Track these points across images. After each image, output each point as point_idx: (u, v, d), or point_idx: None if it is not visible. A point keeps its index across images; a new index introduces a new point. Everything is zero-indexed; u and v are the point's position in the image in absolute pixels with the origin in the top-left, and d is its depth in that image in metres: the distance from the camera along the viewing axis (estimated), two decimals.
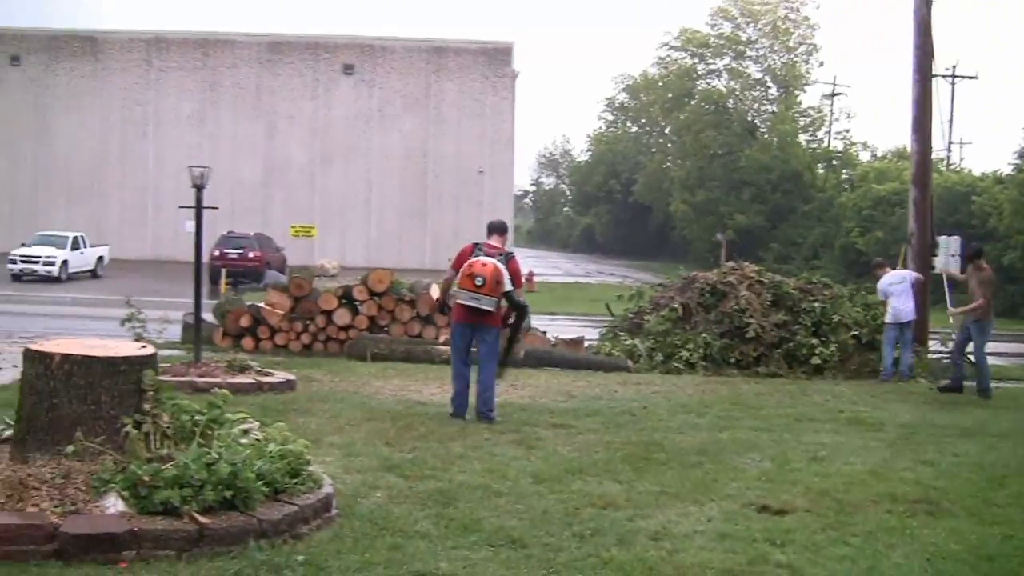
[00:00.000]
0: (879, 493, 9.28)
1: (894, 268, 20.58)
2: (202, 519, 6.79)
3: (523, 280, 13.56)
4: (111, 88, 67.68)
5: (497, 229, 13.28)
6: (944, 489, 9.59)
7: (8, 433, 8.15)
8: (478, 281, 12.32)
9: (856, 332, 19.99)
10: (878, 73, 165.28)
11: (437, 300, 17.48)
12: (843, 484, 9.61)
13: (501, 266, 12.48)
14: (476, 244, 13.03)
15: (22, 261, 44.57)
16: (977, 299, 17.63)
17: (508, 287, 12.53)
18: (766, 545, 7.56)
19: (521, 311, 13.17)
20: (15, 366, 12.80)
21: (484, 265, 12.39)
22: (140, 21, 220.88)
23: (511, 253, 13.11)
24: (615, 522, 8.02)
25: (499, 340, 13.09)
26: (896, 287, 19.13)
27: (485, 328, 12.76)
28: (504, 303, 12.78)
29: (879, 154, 75.50)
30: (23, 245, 46.64)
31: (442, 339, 19.54)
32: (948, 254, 22.57)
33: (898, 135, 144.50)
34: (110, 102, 67.60)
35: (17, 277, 44.21)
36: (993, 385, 17.93)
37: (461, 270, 12.60)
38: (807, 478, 9.84)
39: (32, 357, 7.68)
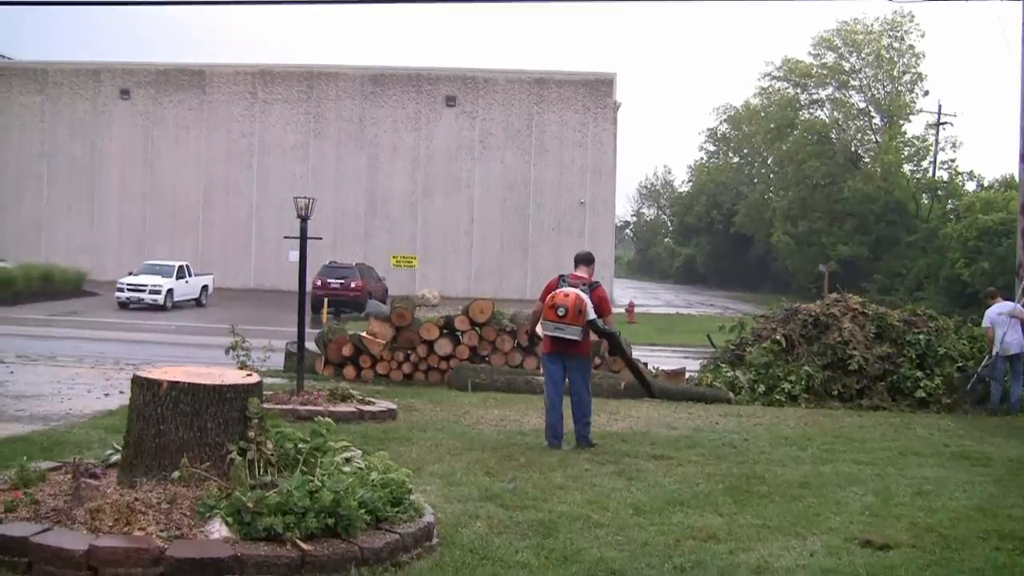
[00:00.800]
0: (986, 530, 9.10)
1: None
2: (304, 546, 6.85)
3: (610, 307, 13.55)
4: (217, 120, 68.71)
5: (583, 260, 13.46)
6: None
7: (116, 458, 8.28)
8: (560, 312, 12.51)
9: (962, 364, 19.69)
10: (985, 101, 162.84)
11: (526, 331, 17.54)
12: (949, 520, 9.44)
13: (584, 295, 12.64)
14: (561, 276, 13.26)
15: (129, 289, 45.37)
16: None
17: (591, 315, 12.66)
18: None
19: (609, 338, 13.39)
20: (122, 392, 13.04)
21: (566, 296, 12.57)
22: (246, 55, 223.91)
23: (596, 282, 13.24)
24: (716, 555, 7.96)
25: (590, 368, 13.27)
26: (1003, 318, 18.83)
27: (573, 357, 12.95)
28: (592, 332, 12.93)
29: (985, 184, 74.24)
30: (131, 274, 47.50)
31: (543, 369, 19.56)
32: None
33: (1006, 164, 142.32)
34: (216, 134, 68.65)
35: (124, 305, 45.00)
36: None
37: (546, 302, 12.79)
38: (912, 513, 9.69)
39: (140, 384, 7.80)
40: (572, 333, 12.56)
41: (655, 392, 16.92)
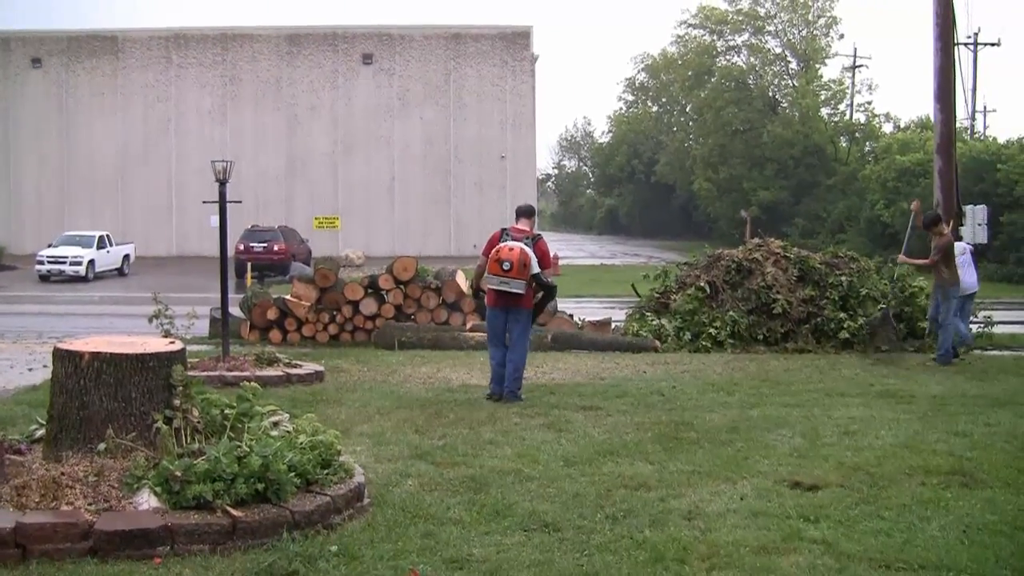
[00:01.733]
0: (912, 466, 9.24)
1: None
2: (235, 512, 6.82)
3: (551, 261, 13.80)
4: (132, 86, 67.89)
5: (524, 213, 13.67)
6: (978, 460, 9.53)
7: (40, 433, 8.21)
8: (505, 266, 12.68)
9: (883, 305, 19.88)
10: (899, 43, 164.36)
11: (471, 286, 17.55)
12: (875, 458, 9.57)
13: (528, 249, 12.81)
14: (504, 229, 13.39)
15: (49, 261, 44.84)
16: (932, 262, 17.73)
17: (536, 269, 12.87)
18: (800, 521, 7.54)
19: (548, 291, 13.48)
20: (45, 366, 12.86)
21: (511, 250, 12.73)
22: (158, 19, 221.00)
23: (538, 235, 13.43)
24: (647, 503, 8.02)
25: (530, 321, 13.38)
26: (960, 258, 18.65)
27: (516, 310, 13.07)
28: (534, 285, 13.05)
29: (902, 125, 74.99)
30: (50, 246, 46.92)
31: (469, 325, 19.58)
32: (975, 223, 22.46)
33: (921, 105, 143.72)
34: (131, 100, 67.84)
35: (45, 278, 44.48)
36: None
37: (490, 256, 12.94)
38: (839, 453, 9.81)
39: (62, 356, 7.72)
40: (517, 287, 12.74)
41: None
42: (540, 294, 13.28)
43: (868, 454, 9.76)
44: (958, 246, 18.97)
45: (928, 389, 14.18)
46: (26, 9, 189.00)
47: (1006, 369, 16.76)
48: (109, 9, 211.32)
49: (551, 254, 13.98)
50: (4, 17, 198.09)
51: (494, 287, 12.94)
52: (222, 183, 15.08)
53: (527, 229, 13.35)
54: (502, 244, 12.94)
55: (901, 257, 19.06)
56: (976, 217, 23.39)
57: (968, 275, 18.74)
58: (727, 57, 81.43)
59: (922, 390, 14.08)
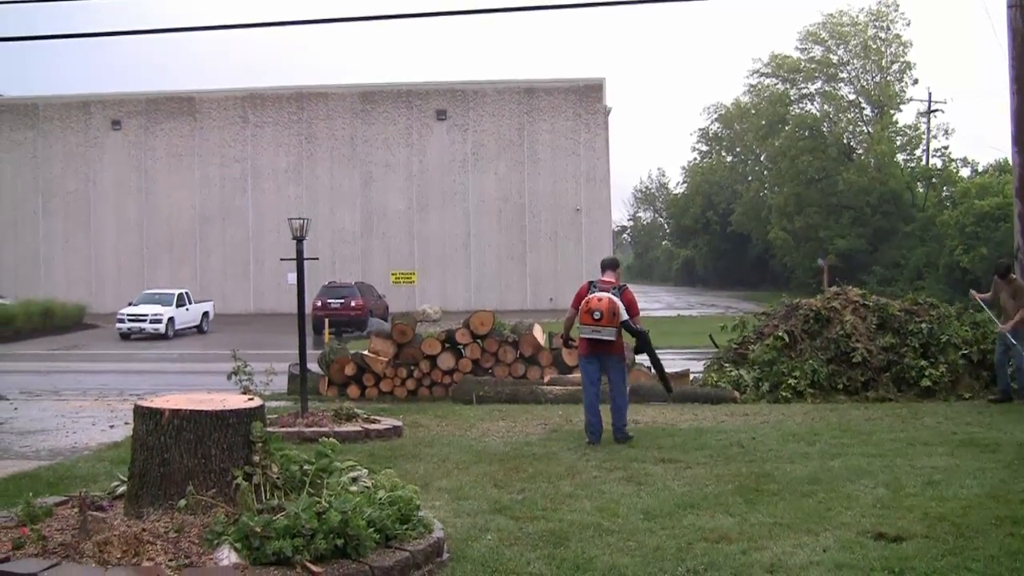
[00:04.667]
0: (999, 516, 9.06)
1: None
2: (315, 568, 6.82)
3: (638, 308, 14.35)
4: (209, 146, 68.84)
5: (609, 265, 14.51)
6: None
7: (122, 489, 8.26)
8: (596, 315, 13.47)
9: (966, 351, 19.62)
10: (976, 87, 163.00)
11: (562, 336, 17.47)
12: (961, 508, 9.40)
13: (615, 299, 13.61)
14: (591, 282, 14.14)
15: (130, 320, 45.47)
16: (1013, 313, 17.67)
17: (624, 317, 13.64)
18: (884, 574, 7.42)
19: (639, 336, 14.22)
20: (126, 423, 13.01)
21: (600, 300, 13.53)
22: (234, 79, 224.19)
23: (624, 285, 14.22)
24: (729, 556, 7.92)
25: (624, 366, 14.28)
26: None
27: (609, 356, 13.84)
28: (624, 332, 13.86)
29: (980, 169, 74.27)
30: (130, 304, 47.55)
31: (547, 379, 19.55)
32: None
33: (999, 149, 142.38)
34: (209, 160, 68.78)
35: (126, 336, 45.10)
36: None
37: (580, 307, 13.73)
38: (923, 503, 9.65)
39: (142, 413, 7.79)
40: (608, 334, 13.53)
41: (672, 389, 16.97)
42: (635, 342, 14.11)
43: (953, 504, 9.59)
44: None
45: (1013, 436, 13.94)
46: (106, 72, 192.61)
47: None
48: (186, 70, 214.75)
49: (636, 303, 14.29)
50: (85, 80, 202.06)
51: (587, 336, 13.69)
52: (299, 240, 15.19)
53: (613, 280, 14.11)
54: (591, 295, 13.68)
55: (1001, 327, 18.54)
56: None
57: None
58: (800, 105, 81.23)
59: (1007, 438, 13.84)
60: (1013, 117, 21.70)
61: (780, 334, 20.12)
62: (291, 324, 18.04)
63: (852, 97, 78.69)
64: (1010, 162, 23.17)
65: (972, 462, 11.94)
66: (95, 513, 7.73)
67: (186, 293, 49.46)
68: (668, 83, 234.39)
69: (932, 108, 77.43)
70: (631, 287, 14.76)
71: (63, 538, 7.36)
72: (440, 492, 10.32)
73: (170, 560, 6.90)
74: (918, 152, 77.58)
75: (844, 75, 78.21)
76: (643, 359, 17.39)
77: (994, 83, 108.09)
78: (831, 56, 78.05)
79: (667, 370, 18.19)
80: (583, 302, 13.68)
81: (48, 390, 23.46)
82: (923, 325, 19.80)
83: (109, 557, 6.94)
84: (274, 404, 16.72)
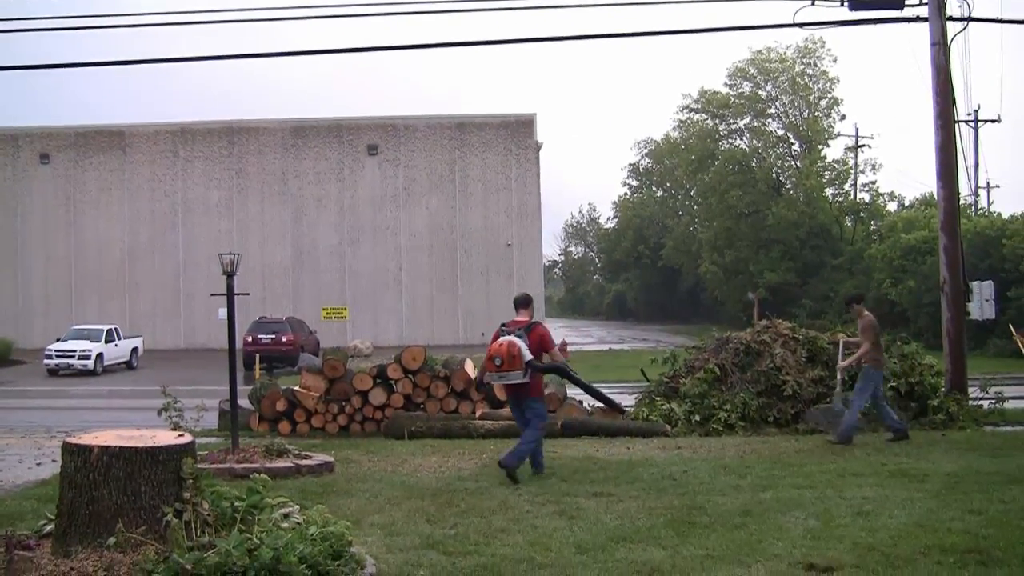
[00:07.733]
0: (928, 545, 9.17)
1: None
2: None
3: (551, 343, 14.10)
4: (139, 180, 68.28)
5: (522, 303, 14.28)
6: (994, 538, 9.46)
7: (49, 528, 8.17)
8: (497, 361, 13.38)
9: (894, 383, 19.82)
10: (901, 122, 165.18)
11: (476, 379, 17.54)
12: (890, 538, 9.51)
13: (517, 340, 13.41)
14: (503, 324, 14.04)
15: (58, 356, 44.89)
16: (862, 346, 17.71)
17: (527, 357, 13.36)
18: None
19: (557, 372, 14.18)
20: (54, 460, 12.85)
21: (500, 346, 13.41)
22: (165, 113, 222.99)
23: (535, 322, 13.94)
24: None
25: (542, 408, 14.04)
26: None
27: (524, 397, 13.76)
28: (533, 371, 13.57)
29: (906, 203, 75.19)
30: (58, 340, 47.02)
31: (479, 413, 19.56)
32: (982, 299, 22.41)
33: (924, 183, 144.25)
34: (139, 194, 68.19)
35: (54, 372, 44.53)
36: None
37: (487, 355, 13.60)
38: (853, 533, 9.75)
39: (71, 451, 7.72)
40: (514, 378, 13.37)
41: (621, 408, 17.08)
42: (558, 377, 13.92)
43: (883, 534, 9.69)
44: None
45: (941, 467, 14.11)
46: (34, 105, 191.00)
47: (1020, 445, 16.65)
48: (116, 105, 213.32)
49: (556, 340, 14.27)
50: (13, 114, 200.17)
51: (495, 383, 13.95)
52: (229, 275, 15.12)
53: (525, 319, 13.91)
54: (495, 342, 13.55)
55: (841, 364, 18.56)
56: (983, 293, 23.30)
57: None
58: (730, 140, 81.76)
59: (935, 468, 14.00)
60: (937, 152, 22.03)
61: (711, 367, 20.24)
62: (222, 360, 17.93)
63: (781, 132, 79.37)
64: (935, 196, 23.48)
65: (901, 492, 12.07)
66: (22, 552, 7.64)
67: (115, 328, 48.91)
68: (599, 118, 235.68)
69: (859, 143, 78.26)
70: (561, 322, 14.77)
71: None
72: (372, 528, 10.29)
73: None
74: (846, 187, 78.28)
75: (773, 110, 78.88)
76: (576, 391, 17.47)
77: (918, 119, 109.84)
78: (760, 92, 78.69)
79: (599, 405, 18.26)
80: (489, 349, 13.66)
81: None
82: (851, 358, 19.97)
83: None
84: (205, 440, 16.58)
